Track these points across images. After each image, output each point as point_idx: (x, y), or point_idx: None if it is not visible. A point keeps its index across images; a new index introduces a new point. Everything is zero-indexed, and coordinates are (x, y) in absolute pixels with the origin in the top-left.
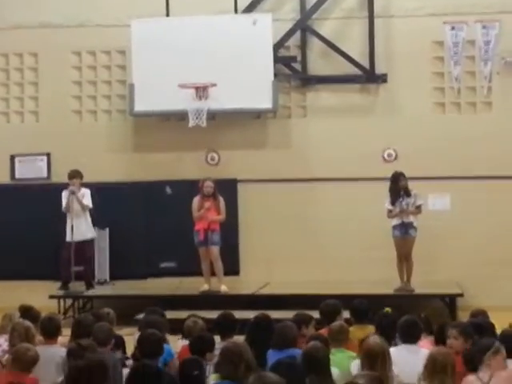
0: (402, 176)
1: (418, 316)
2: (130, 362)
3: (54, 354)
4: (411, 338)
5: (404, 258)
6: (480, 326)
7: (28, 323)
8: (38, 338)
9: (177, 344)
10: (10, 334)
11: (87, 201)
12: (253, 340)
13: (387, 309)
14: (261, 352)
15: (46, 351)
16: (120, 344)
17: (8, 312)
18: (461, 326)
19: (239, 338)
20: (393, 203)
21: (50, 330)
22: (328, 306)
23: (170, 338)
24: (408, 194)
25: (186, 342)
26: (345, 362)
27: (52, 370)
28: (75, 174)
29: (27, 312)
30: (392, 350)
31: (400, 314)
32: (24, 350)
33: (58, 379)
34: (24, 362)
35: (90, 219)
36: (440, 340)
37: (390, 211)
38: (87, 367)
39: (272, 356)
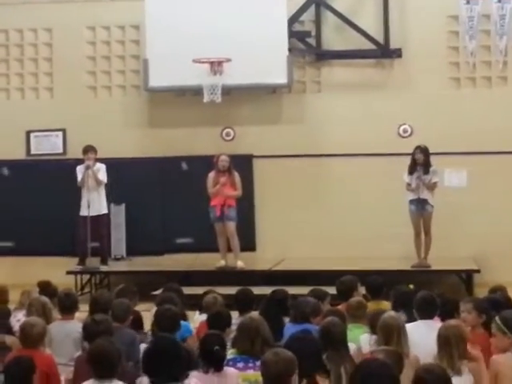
0: (419, 149)
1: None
2: (147, 338)
3: (70, 329)
4: (428, 313)
5: (424, 233)
6: (497, 301)
7: (45, 299)
8: (56, 313)
9: (194, 319)
10: (28, 309)
11: (102, 176)
12: (269, 315)
13: (410, 285)
14: (277, 327)
15: (63, 327)
16: (137, 320)
17: (27, 288)
18: (474, 301)
19: (256, 313)
20: (410, 174)
21: (67, 306)
22: (344, 281)
23: (188, 313)
24: (427, 170)
25: (203, 318)
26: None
27: (69, 346)
28: (89, 149)
29: (46, 288)
30: (409, 325)
31: (417, 290)
32: (30, 325)
33: (75, 355)
34: (30, 338)
35: (104, 195)
36: (447, 316)
37: (408, 184)
38: (98, 352)
39: (289, 329)
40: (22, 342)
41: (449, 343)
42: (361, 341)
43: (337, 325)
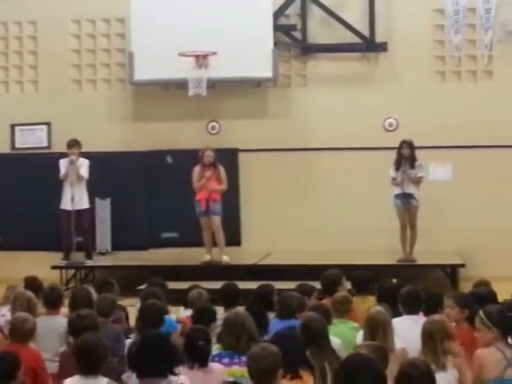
0: (406, 144)
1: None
2: (132, 334)
3: (56, 324)
4: (414, 308)
5: (409, 228)
6: (481, 296)
7: (30, 293)
8: (41, 308)
9: (179, 314)
10: (12, 304)
11: (84, 171)
12: (255, 310)
13: (393, 280)
14: (263, 322)
15: (48, 322)
16: (122, 315)
17: (12, 283)
18: (456, 296)
19: (241, 309)
20: (396, 170)
21: (53, 301)
22: (329, 276)
23: (172, 308)
24: (412, 164)
25: (188, 313)
26: (347, 333)
27: (54, 341)
28: (73, 143)
29: (32, 283)
30: (395, 320)
31: (400, 285)
32: (21, 320)
33: (60, 350)
34: (21, 333)
35: (85, 190)
36: (431, 311)
37: (393, 179)
38: (84, 347)
39: (274, 325)
40: (11, 337)
41: (433, 338)
42: (356, 338)
43: (316, 320)
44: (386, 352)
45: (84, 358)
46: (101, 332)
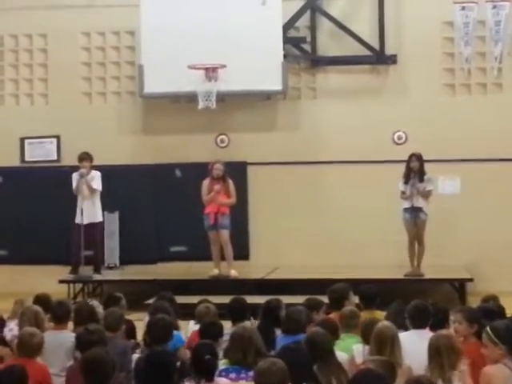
0: (415, 157)
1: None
2: (140, 348)
3: (63, 339)
4: (421, 322)
5: (417, 242)
6: (489, 310)
7: (37, 308)
8: (49, 323)
9: (188, 328)
10: (20, 318)
11: (96, 184)
12: (264, 325)
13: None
14: (271, 337)
15: (55, 336)
16: (130, 329)
17: (20, 297)
18: (464, 311)
19: (249, 323)
20: (405, 184)
21: (60, 315)
22: (336, 290)
23: (181, 323)
24: (421, 177)
25: (197, 327)
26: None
27: (61, 356)
28: (85, 157)
29: (42, 300)
30: (402, 335)
31: (409, 300)
32: (29, 335)
33: (67, 364)
34: (29, 348)
35: (99, 203)
36: (438, 325)
37: (402, 192)
38: (92, 361)
39: (281, 340)
40: (18, 351)
41: (440, 353)
42: (354, 351)
43: (321, 335)
44: (394, 367)
45: (91, 372)
46: (108, 347)
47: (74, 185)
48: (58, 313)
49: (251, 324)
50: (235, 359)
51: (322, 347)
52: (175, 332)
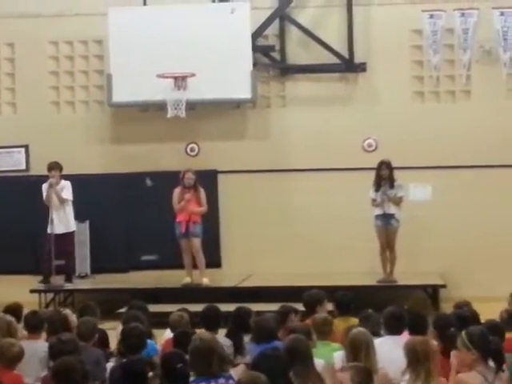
0: (384, 165)
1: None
2: (113, 357)
3: (37, 349)
4: (396, 329)
5: (388, 249)
6: (464, 317)
7: (9, 318)
8: (22, 333)
9: (164, 336)
10: None
11: (67, 193)
12: (233, 331)
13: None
14: (240, 343)
15: (29, 346)
16: (103, 338)
17: None
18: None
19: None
20: (375, 191)
21: (34, 325)
22: (312, 294)
23: (154, 331)
24: (392, 184)
25: (171, 336)
26: (329, 355)
27: (35, 365)
28: (54, 166)
29: (13, 311)
30: (377, 341)
31: (383, 306)
32: (8, 345)
33: (41, 374)
34: (8, 358)
35: (71, 212)
36: (414, 331)
37: (373, 200)
38: (63, 369)
39: (252, 350)
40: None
41: (417, 358)
42: (334, 358)
43: (302, 341)
44: (371, 373)
45: (62, 381)
46: (82, 356)
47: (44, 195)
48: (31, 322)
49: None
50: (201, 371)
51: (302, 353)
52: (149, 341)
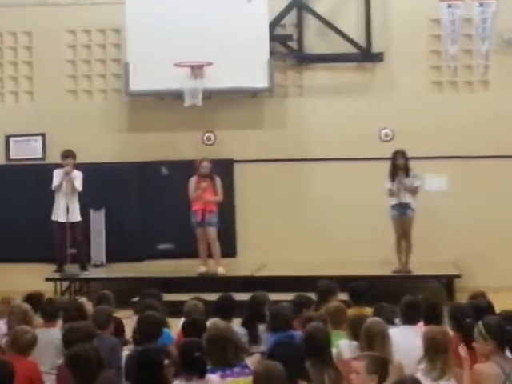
0: (400, 154)
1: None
2: (129, 346)
3: (52, 336)
4: (413, 318)
5: (404, 239)
6: (479, 307)
7: (26, 306)
8: (38, 320)
9: (179, 325)
10: (8, 316)
11: (78, 183)
12: (249, 319)
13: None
14: (255, 332)
15: (45, 334)
16: (119, 327)
17: (5, 296)
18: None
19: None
20: (391, 181)
21: (50, 313)
22: (327, 282)
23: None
24: (407, 174)
25: None
26: None
27: (51, 353)
28: (68, 154)
29: (34, 299)
30: (393, 330)
31: (398, 296)
32: (21, 332)
33: (57, 362)
34: (21, 345)
35: (77, 202)
36: (430, 321)
37: (389, 190)
38: (76, 356)
39: (268, 339)
40: (10, 349)
41: (435, 348)
42: (340, 346)
43: (321, 330)
44: (387, 363)
45: (75, 368)
46: (97, 344)
47: (57, 182)
48: (47, 310)
49: None
50: (216, 360)
51: (321, 342)
52: (164, 329)
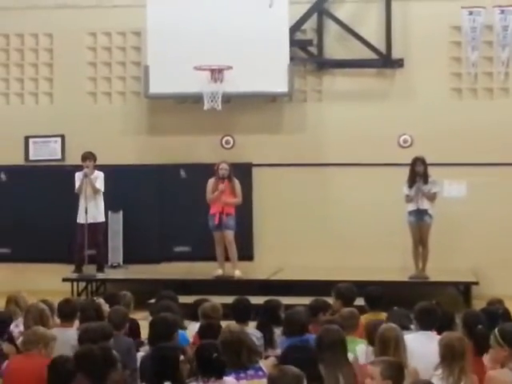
0: (420, 161)
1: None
2: (144, 347)
3: (69, 336)
4: (429, 324)
5: (421, 245)
6: (495, 314)
7: (42, 305)
8: (55, 321)
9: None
10: (25, 316)
11: (99, 184)
12: (263, 323)
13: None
14: (271, 335)
15: (62, 334)
16: (134, 328)
17: (12, 294)
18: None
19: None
20: (410, 187)
21: (67, 313)
22: (345, 289)
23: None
24: (426, 180)
25: None
26: (354, 349)
27: (67, 353)
28: (88, 156)
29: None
30: (409, 336)
31: (414, 303)
32: (33, 330)
33: None
34: (32, 341)
35: (102, 203)
36: (444, 328)
37: (407, 196)
38: (82, 356)
39: (283, 343)
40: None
41: (452, 354)
42: (357, 352)
43: (334, 330)
44: (402, 368)
45: (82, 368)
46: (113, 344)
47: (78, 184)
48: (64, 310)
49: None
50: (230, 363)
51: (333, 343)
52: (180, 331)
